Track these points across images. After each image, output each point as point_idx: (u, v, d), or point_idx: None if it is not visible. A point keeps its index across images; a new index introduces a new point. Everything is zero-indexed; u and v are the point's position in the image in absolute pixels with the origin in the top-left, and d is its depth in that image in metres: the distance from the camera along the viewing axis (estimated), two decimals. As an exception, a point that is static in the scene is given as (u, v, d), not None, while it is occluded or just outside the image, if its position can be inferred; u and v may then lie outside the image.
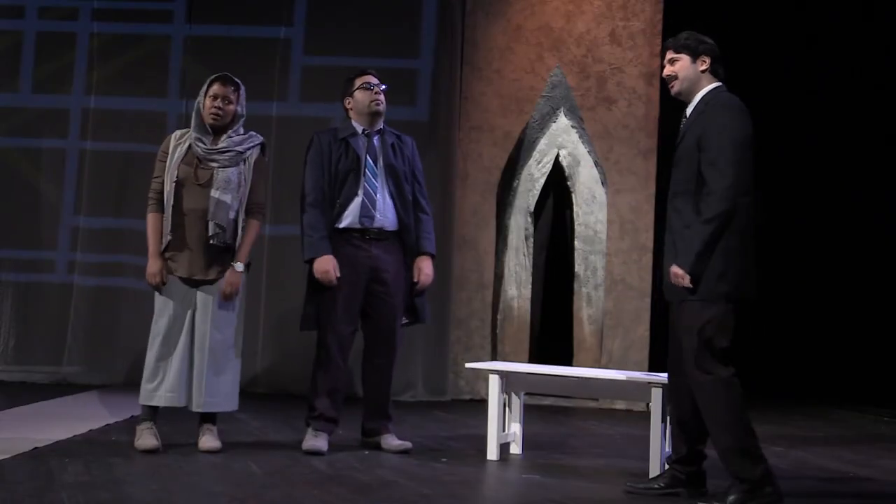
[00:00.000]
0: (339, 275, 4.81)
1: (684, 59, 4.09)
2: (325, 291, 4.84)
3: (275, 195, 7.04)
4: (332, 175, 4.90)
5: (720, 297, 3.86)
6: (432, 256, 5.06)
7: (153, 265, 4.71)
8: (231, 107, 4.75)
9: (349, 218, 4.88)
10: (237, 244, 4.75)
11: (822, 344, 7.65)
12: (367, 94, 4.97)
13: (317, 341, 4.93)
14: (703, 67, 4.08)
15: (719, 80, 4.09)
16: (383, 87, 5.02)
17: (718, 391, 3.85)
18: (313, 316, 4.90)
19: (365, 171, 4.90)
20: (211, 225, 4.66)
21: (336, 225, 4.88)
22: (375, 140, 4.99)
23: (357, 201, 4.87)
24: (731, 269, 3.87)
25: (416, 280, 4.98)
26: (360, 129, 4.99)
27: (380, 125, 5.02)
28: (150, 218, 4.77)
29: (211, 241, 4.67)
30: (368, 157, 4.93)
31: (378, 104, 4.98)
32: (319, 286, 4.85)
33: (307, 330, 4.95)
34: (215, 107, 4.72)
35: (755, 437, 3.86)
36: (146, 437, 4.66)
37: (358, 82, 5.00)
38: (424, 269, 4.99)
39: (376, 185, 4.91)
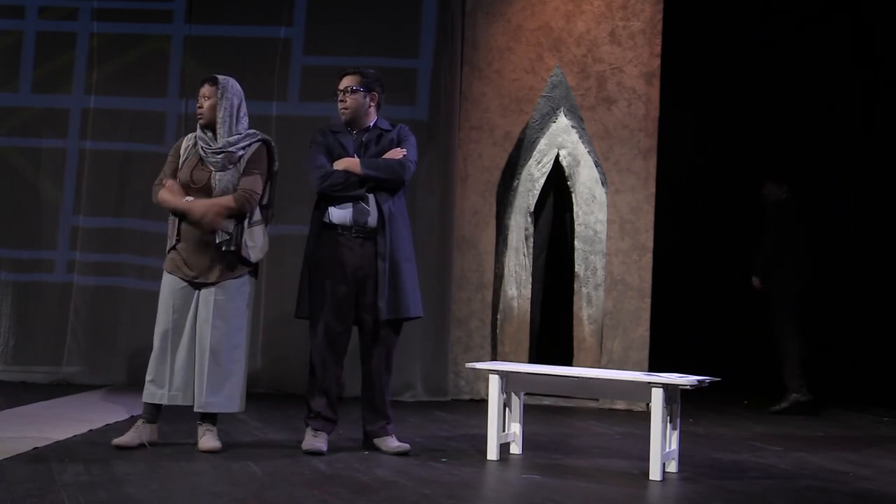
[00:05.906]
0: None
1: None
2: (315, 285, 4.88)
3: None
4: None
5: None
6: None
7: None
8: (209, 101, 4.80)
9: (337, 214, 4.88)
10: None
11: (821, 344, 7.64)
12: (338, 104, 5.01)
13: (309, 341, 4.95)
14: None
15: None
16: (355, 88, 4.94)
17: None
18: (306, 303, 4.93)
19: None
20: (218, 234, 4.71)
21: (324, 219, 4.90)
22: (364, 137, 4.99)
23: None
24: None
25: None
26: (346, 126, 5.03)
27: (366, 124, 5.01)
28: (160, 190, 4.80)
29: (222, 249, 4.72)
30: (356, 156, 4.93)
31: (345, 112, 4.99)
32: (313, 275, 4.88)
33: (301, 317, 4.96)
34: (197, 107, 4.86)
35: None
36: (128, 434, 4.73)
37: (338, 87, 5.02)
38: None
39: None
